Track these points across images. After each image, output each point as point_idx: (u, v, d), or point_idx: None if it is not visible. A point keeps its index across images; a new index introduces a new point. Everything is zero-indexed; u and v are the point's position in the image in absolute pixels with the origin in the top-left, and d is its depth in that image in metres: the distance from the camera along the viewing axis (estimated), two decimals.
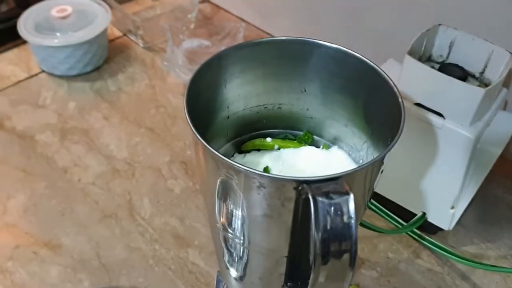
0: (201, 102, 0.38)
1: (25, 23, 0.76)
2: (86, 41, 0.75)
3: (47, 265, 0.55)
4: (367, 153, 0.40)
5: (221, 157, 0.30)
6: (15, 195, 0.62)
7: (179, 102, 0.75)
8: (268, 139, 0.43)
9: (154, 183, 0.64)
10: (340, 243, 0.28)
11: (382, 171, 0.34)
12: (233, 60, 0.39)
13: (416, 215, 0.59)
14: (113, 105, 0.74)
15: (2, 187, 0.63)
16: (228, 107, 0.41)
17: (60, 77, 0.79)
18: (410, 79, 0.53)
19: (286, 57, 0.40)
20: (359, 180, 0.32)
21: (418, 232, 0.60)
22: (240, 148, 0.44)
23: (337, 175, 0.29)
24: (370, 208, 0.61)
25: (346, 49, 0.38)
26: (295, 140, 0.44)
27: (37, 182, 0.64)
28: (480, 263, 0.56)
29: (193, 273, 0.56)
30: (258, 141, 0.43)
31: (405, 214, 0.60)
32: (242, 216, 0.34)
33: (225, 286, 0.51)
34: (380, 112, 0.38)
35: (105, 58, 0.82)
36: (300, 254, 0.36)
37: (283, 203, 0.31)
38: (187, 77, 0.75)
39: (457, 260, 0.57)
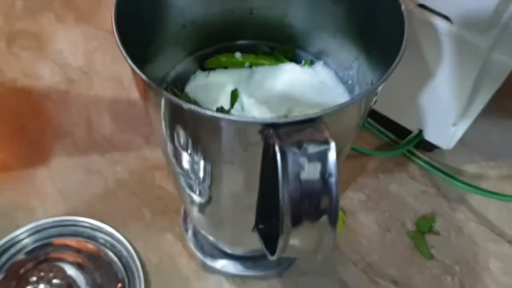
0: (142, 5, 0.29)
1: None
2: None
3: None
4: (358, 72, 0.32)
5: (161, 91, 0.23)
6: None
7: None
8: (237, 55, 0.35)
9: (115, 96, 0.56)
10: (316, 204, 0.22)
11: (376, 101, 0.26)
12: None
13: (410, 132, 0.52)
14: (67, 1, 0.64)
15: None
16: (183, 13, 0.32)
17: None
18: None
19: None
20: (345, 119, 0.24)
21: (413, 149, 0.53)
22: (201, 65, 0.36)
23: (314, 116, 0.21)
24: None
25: None
26: (271, 54, 0.36)
27: None
28: (479, 188, 0.50)
29: (161, 199, 0.50)
30: (224, 57, 0.35)
31: (398, 131, 0.53)
32: (200, 161, 0.27)
33: None
34: (377, 20, 0.30)
35: None
36: (273, 198, 0.30)
37: (246, 148, 0.24)
38: None
39: (454, 184, 0.51)
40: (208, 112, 0.21)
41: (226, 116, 0.22)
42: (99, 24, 0.62)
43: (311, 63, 0.36)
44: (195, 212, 0.36)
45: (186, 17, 0.33)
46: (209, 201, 0.32)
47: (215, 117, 0.22)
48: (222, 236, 0.39)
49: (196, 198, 0.33)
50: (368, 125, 0.54)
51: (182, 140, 0.26)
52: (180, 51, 0.35)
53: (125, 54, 0.23)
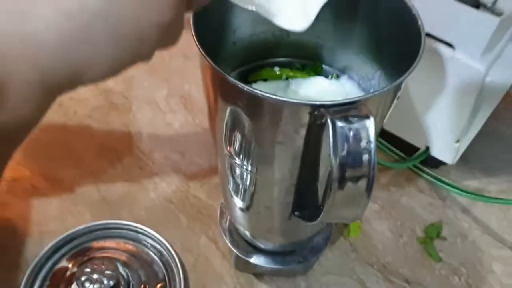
0: (208, 25, 0.35)
1: None
2: None
3: (46, 198, 0.55)
4: (379, 82, 0.39)
5: (232, 81, 0.29)
6: None
7: None
8: (276, 69, 0.41)
9: (153, 118, 0.63)
10: (358, 168, 0.27)
11: (398, 97, 0.33)
12: None
13: (418, 149, 0.59)
14: None
15: None
16: (234, 32, 0.39)
17: None
18: (420, 7, 0.50)
19: None
20: (377, 105, 0.30)
21: (421, 166, 0.59)
22: (246, 79, 0.42)
23: (356, 99, 0.28)
24: None
25: None
26: (303, 69, 0.43)
27: None
28: (481, 195, 0.56)
29: (195, 206, 0.55)
30: (265, 71, 0.42)
31: (408, 149, 0.59)
32: (251, 143, 0.33)
33: (228, 218, 0.51)
34: (395, 38, 0.37)
35: None
36: (309, 182, 0.36)
37: (296, 129, 0.30)
38: None
39: (458, 193, 0.57)
40: (270, 95, 0.28)
41: (287, 99, 0.28)
42: None
43: (337, 76, 0.42)
44: (236, 205, 0.42)
45: (237, 36, 0.39)
46: (254, 189, 0.38)
47: (277, 99, 0.28)
48: (259, 227, 0.44)
49: (241, 187, 0.39)
50: (379, 144, 0.60)
51: (239, 125, 0.32)
52: (227, 67, 0.41)
53: (208, 58, 0.29)
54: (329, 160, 0.27)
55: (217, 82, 0.31)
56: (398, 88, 0.31)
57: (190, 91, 0.66)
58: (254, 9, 0.32)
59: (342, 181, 0.28)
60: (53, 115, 0.62)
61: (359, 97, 0.28)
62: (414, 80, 0.53)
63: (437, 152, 0.57)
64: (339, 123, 0.26)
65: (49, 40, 0.22)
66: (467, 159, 0.60)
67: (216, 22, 0.37)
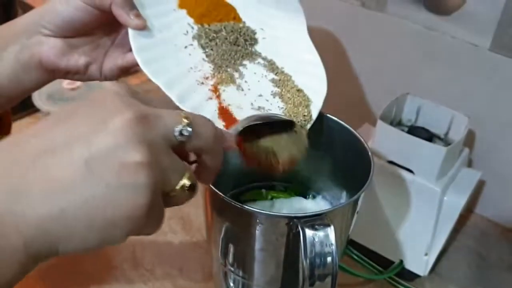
0: None
1: (39, 93, 0.84)
2: None
3: None
4: (345, 200, 0.47)
5: (228, 200, 0.37)
6: None
7: None
8: (263, 191, 0.50)
9: (156, 237, 0.70)
10: (323, 267, 0.35)
11: (358, 211, 0.41)
12: None
13: (394, 262, 0.65)
14: None
15: None
16: (228, 163, 0.48)
17: None
18: (383, 140, 0.61)
19: None
20: (339, 216, 0.39)
21: (398, 279, 0.66)
22: (238, 199, 0.51)
23: (320, 212, 0.36)
24: (352, 258, 0.67)
25: (327, 114, 0.46)
26: (285, 191, 0.51)
27: None
28: None
29: None
30: (253, 193, 0.50)
31: (385, 263, 0.66)
32: (242, 251, 0.41)
33: None
34: (354, 166, 0.46)
35: None
36: (290, 286, 0.42)
37: (277, 238, 0.38)
38: None
39: None
40: (257, 209, 0.36)
41: (268, 211, 0.36)
42: None
43: (313, 197, 0.51)
44: None
45: (230, 165, 0.49)
46: None
47: (262, 213, 0.36)
48: None
49: None
50: (358, 258, 0.67)
51: (233, 237, 0.40)
52: (222, 190, 0.50)
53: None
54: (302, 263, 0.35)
55: (216, 201, 0.40)
56: (355, 204, 0.39)
57: (189, 214, 0.74)
58: None
59: (312, 278, 0.35)
60: None
61: (322, 210, 0.36)
62: (385, 201, 0.62)
63: (409, 264, 0.64)
64: (308, 231, 0.34)
65: (32, 218, 0.27)
66: (439, 272, 0.67)
67: None
